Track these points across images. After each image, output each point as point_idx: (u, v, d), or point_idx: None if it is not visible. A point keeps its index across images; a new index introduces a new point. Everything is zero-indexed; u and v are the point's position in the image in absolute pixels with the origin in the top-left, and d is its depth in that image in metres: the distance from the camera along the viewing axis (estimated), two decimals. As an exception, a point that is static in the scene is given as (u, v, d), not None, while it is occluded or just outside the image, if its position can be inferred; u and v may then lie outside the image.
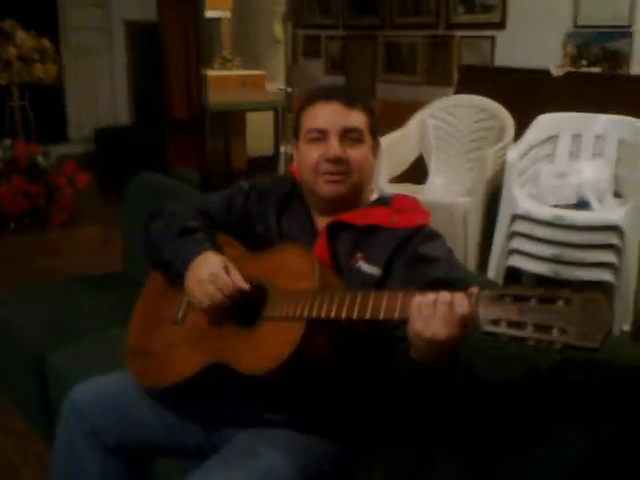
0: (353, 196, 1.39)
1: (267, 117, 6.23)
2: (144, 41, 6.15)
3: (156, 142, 5.16)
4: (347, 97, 1.38)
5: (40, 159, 3.98)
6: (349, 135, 1.35)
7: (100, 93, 6.55)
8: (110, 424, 1.41)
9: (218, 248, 1.40)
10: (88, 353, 1.86)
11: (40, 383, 1.95)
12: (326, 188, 1.36)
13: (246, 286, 1.31)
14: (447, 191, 3.68)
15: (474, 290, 1.01)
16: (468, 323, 1.00)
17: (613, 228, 2.74)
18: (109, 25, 6.44)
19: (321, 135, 1.35)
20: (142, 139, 5.94)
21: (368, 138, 1.38)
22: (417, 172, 3.87)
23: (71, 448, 1.43)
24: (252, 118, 6.21)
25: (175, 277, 1.41)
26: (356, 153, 1.35)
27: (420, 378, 1.15)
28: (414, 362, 1.10)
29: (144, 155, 5.41)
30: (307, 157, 1.37)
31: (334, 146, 1.33)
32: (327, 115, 1.35)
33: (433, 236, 1.35)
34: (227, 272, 1.31)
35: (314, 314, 1.17)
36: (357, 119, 1.36)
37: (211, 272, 1.31)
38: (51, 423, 1.79)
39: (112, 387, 1.46)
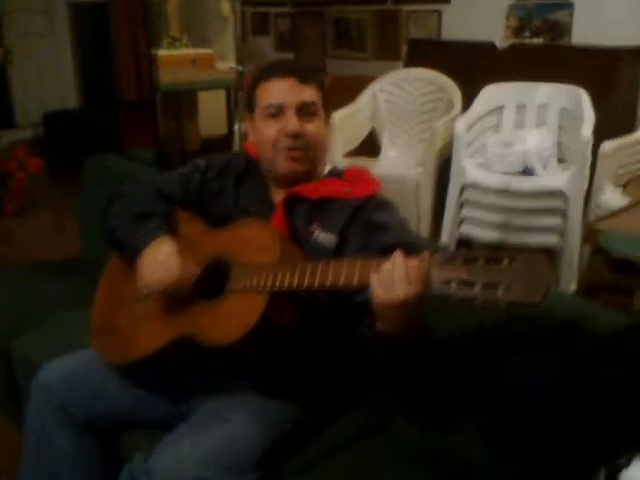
0: (309, 170, 1.44)
1: (219, 96, 6.18)
2: (89, 23, 6.02)
3: (106, 125, 5.07)
4: (301, 73, 1.42)
5: (-10, 145, 3.91)
6: (305, 110, 1.39)
7: (46, 77, 6.39)
8: (79, 400, 1.44)
9: (173, 234, 1.42)
10: (53, 336, 1.86)
11: (6, 368, 1.94)
12: (286, 165, 1.40)
13: (196, 271, 1.35)
14: (400, 163, 3.76)
15: (426, 254, 1.07)
16: (424, 281, 1.05)
17: (557, 193, 2.85)
18: (52, 7, 6.28)
19: (278, 111, 1.39)
20: (92, 122, 5.82)
21: (322, 112, 1.43)
22: (371, 146, 3.94)
23: (42, 427, 1.46)
24: (204, 98, 6.15)
25: (129, 260, 1.44)
26: (313, 127, 1.40)
27: (396, 351, 1.18)
28: (385, 335, 1.14)
29: (95, 139, 5.31)
30: (265, 133, 1.41)
31: (293, 121, 1.38)
32: (283, 91, 1.39)
33: (385, 204, 1.42)
34: (178, 260, 1.35)
35: (277, 285, 1.21)
36: (312, 94, 1.41)
37: (163, 258, 1.34)
38: (19, 408, 1.79)
39: (79, 364, 1.49)
